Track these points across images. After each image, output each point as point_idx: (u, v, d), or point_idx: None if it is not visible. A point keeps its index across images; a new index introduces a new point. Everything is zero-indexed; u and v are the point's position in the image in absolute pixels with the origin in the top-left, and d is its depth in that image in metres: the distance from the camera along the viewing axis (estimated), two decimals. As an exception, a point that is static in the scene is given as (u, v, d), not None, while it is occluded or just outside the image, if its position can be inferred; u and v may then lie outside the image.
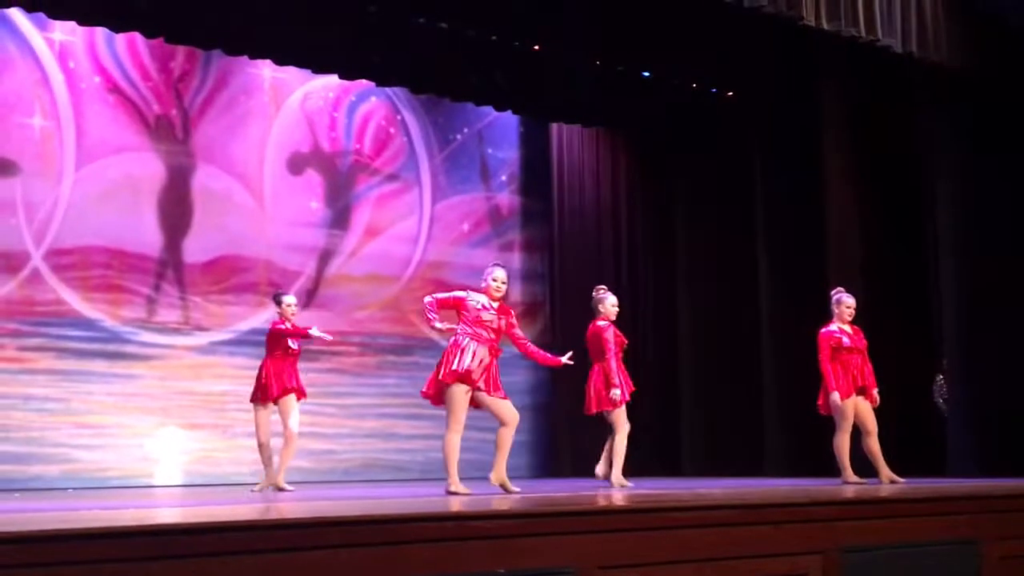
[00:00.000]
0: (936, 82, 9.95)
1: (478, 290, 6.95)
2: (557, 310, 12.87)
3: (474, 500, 5.80)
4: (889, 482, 7.82)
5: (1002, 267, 9.57)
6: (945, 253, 10.01)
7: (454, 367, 6.66)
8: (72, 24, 10.01)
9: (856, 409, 7.98)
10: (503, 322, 6.92)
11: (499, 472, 6.82)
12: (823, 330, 8.08)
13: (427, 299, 6.97)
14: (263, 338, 8.74)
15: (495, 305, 6.91)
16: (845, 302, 8.12)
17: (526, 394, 11.77)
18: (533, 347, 7.33)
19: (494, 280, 6.92)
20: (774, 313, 11.36)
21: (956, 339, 9.87)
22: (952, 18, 9.31)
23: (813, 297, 10.50)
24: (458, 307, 6.87)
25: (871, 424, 8.00)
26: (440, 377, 6.69)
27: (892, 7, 8.89)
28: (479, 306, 6.82)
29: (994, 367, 9.50)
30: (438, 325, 6.81)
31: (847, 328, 8.09)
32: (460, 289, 7.22)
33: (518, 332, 7.11)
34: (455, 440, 6.70)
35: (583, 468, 11.91)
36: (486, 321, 6.80)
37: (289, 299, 8.72)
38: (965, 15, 9.39)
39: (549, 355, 7.53)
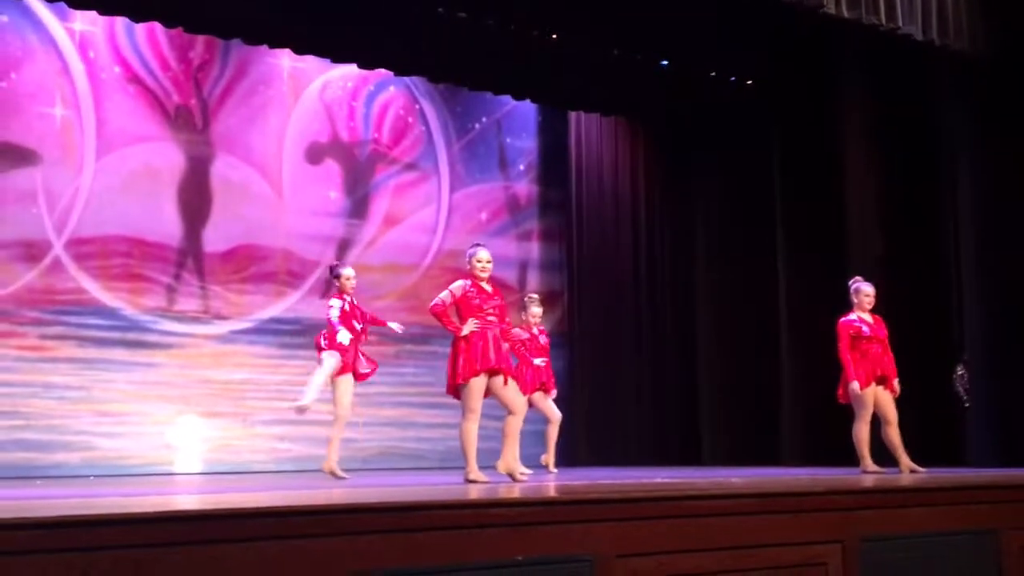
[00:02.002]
0: (958, 70, 9.87)
1: (465, 276, 6.83)
2: (575, 299, 12.87)
3: (492, 488, 5.81)
4: (909, 472, 7.78)
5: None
6: (967, 243, 9.93)
7: (477, 367, 6.59)
8: (92, 14, 10.06)
9: (876, 398, 7.95)
10: (500, 302, 6.85)
11: (506, 460, 6.77)
12: (842, 319, 8.05)
13: (435, 310, 6.77)
14: (282, 327, 8.76)
15: (489, 289, 6.82)
16: (864, 290, 8.08)
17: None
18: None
19: (478, 261, 6.78)
20: (793, 303, 11.31)
21: (977, 329, 9.80)
22: (974, 5, 9.23)
23: (832, 286, 10.43)
24: (460, 303, 6.77)
25: (891, 414, 7.97)
26: (464, 378, 6.61)
27: (913, -6, 8.84)
28: (477, 296, 6.74)
29: (1015, 358, 9.43)
30: (464, 332, 6.70)
31: (867, 317, 8.05)
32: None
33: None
34: (472, 429, 6.67)
35: (601, 457, 11.95)
36: (487, 309, 6.73)
37: (348, 271, 8.34)
38: (987, 1, 9.31)
39: None
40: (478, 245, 6.97)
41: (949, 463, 9.04)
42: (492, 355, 6.65)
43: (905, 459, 7.91)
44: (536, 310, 9.07)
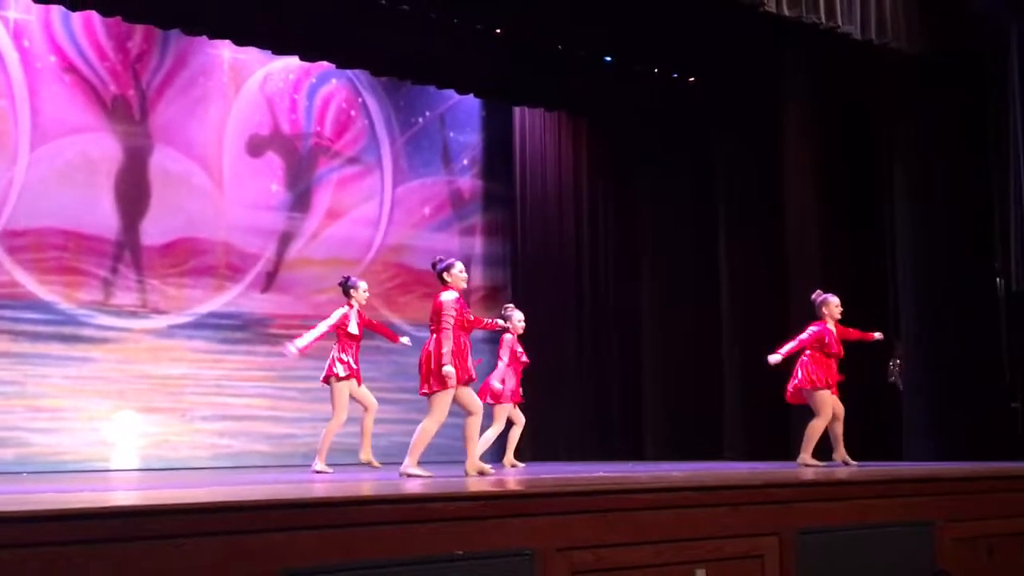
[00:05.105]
0: (896, 70, 10.00)
1: (445, 288, 6.90)
2: (519, 294, 12.86)
3: (432, 483, 5.79)
4: (841, 461, 8.22)
5: (957, 252, 9.64)
6: (903, 239, 10.07)
7: (472, 372, 6.78)
8: (27, 2, 9.86)
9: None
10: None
11: (472, 461, 6.85)
12: (820, 326, 8.36)
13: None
14: (221, 321, 8.68)
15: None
16: (832, 302, 8.45)
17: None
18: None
19: (460, 272, 6.96)
20: (735, 300, 11.42)
21: (912, 324, 9.94)
22: (912, 5, 9.36)
23: (774, 285, 10.60)
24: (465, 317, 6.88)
25: (839, 411, 8.35)
26: (455, 383, 6.64)
27: (853, -6, 8.94)
28: (464, 308, 6.88)
29: (949, 354, 9.58)
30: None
31: (832, 327, 8.39)
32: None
33: None
34: (433, 430, 6.72)
35: (543, 453, 11.97)
36: (468, 320, 6.90)
37: (364, 284, 8.67)
38: (926, 1, 9.44)
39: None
40: (447, 259, 7.03)
41: (886, 457, 9.19)
42: (470, 365, 6.80)
43: (842, 451, 8.33)
44: (519, 315, 9.15)
